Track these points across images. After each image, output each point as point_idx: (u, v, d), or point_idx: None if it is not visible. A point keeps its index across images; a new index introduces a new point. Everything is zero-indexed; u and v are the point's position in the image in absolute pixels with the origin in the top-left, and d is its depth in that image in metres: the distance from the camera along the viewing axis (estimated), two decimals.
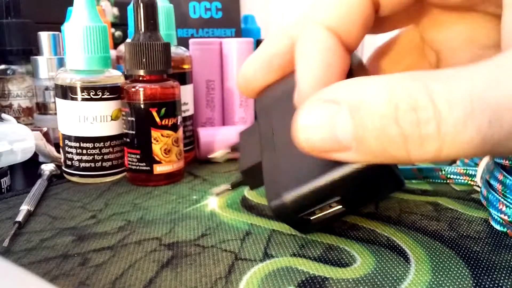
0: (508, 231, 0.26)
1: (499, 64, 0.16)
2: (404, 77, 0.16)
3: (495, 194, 0.26)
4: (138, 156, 0.34)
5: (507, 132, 0.15)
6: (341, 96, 0.17)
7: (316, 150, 0.18)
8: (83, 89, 0.34)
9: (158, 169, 0.34)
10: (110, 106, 0.35)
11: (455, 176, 0.34)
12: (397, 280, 0.21)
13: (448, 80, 0.15)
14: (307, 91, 0.20)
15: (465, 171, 0.34)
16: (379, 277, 0.21)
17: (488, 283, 0.21)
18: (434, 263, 0.23)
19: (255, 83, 0.26)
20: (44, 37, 0.45)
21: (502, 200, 0.26)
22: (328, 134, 0.17)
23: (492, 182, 0.27)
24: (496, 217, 0.27)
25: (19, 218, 0.27)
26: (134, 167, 0.34)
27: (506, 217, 0.25)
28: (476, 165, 0.34)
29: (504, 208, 0.25)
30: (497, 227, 0.26)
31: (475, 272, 0.22)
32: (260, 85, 0.26)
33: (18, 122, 0.38)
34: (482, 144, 0.15)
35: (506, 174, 0.26)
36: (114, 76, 0.35)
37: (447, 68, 0.16)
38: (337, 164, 0.20)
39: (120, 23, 0.67)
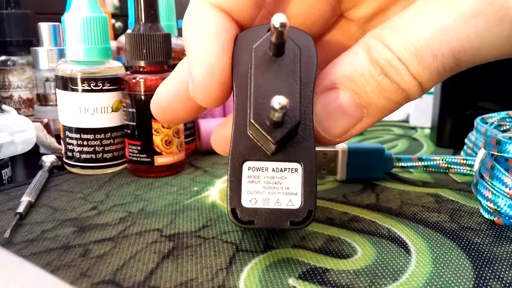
0: (495, 219, 0.26)
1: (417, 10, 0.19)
2: (369, 40, 0.19)
3: (483, 182, 0.26)
4: (139, 148, 0.34)
5: (446, 58, 0.18)
6: (336, 79, 0.20)
7: (343, 138, 0.21)
8: (83, 80, 0.34)
9: (159, 160, 0.34)
10: (110, 97, 0.34)
11: (455, 166, 0.34)
12: (398, 272, 0.21)
13: (398, 33, 0.18)
14: (200, 80, 0.20)
15: (465, 161, 0.34)
16: (380, 268, 0.21)
17: (489, 274, 0.21)
18: (435, 255, 0.23)
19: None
20: (44, 28, 0.44)
21: (489, 188, 0.26)
22: (345, 121, 0.20)
23: (482, 170, 0.27)
24: (484, 205, 0.27)
25: (20, 209, 0.27)
26: (135, 158, 0.34)
27: (492, 205, 0.25)
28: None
29: (490, 196, 0.26)
30: (486, 215, 0.27)
31: (476, 264, 0.22)
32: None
33: (19, 113, 0.38)
34: (437, 71, 0.18)
35: (495, 163, 0.26)
36: (115, 67, 0.35)
37: (393, 19, 0.19)
38: None
39: (120, 14, 0.67)
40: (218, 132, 0.25)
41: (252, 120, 0.19)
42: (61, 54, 0.44)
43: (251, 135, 0.20)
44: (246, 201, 0.20)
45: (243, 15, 0.20)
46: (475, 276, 0.21)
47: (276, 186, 0.20)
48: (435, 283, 0.20)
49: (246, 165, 0.20)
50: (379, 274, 0.21)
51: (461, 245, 0.24)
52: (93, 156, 0.35)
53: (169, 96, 0.23)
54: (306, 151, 0.20)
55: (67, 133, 0.35)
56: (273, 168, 0.20)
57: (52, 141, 0.38)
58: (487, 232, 0.25)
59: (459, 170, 0.34)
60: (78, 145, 0.35)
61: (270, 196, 0.20)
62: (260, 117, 0.19)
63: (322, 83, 0.20)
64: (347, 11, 0.24)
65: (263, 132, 0.19)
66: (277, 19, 0.17)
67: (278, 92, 0.18)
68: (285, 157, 0.20)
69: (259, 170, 0.20)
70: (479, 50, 0.18)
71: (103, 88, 0.34)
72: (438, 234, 0.25)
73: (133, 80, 0.33)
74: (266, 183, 0.20)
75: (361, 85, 0.19)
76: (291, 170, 0.20)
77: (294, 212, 0.20)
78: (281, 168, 0.20)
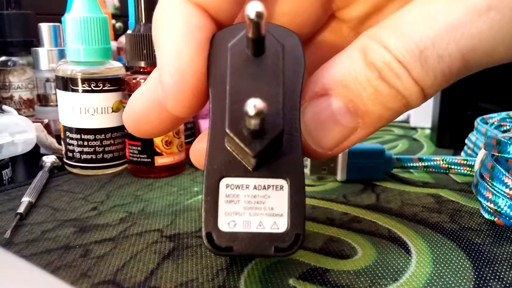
0: (495, 220, 0.26)
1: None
2: (365, 41, 0.17)
3: (484, 183, 0.26)
4: (139, 148, 0.34)
5: (454, 58, 0.16)
6: (327, 84, 0.17)
7: (336, 151, 0.19)
8: (83, 80, 0.34)
9: (159, 161, 0.34)
10: (111, 98, 0.34)
11: (455, 166, 0.34)
12: (398, 272, 0.21)
13: (397, 32, 0.16)
14: (170, 84, 0.17)
15: (465, 161, 0.34)
16: (380, 269, 0.21)
17: (489, 275, 0.21)
18: (435, 255, 0.23)
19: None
20: (45, 28, 0.44)
21: (490, 188, 0.26)
22: (338, 131, 0.18)
23: (482, 170, 0.27)
24: (484, 205, 0.27)
25: (21, 209, 0.27)
26: (135, 159, 0.34)
27: (492, 205, 0.25)
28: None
29: (491, 196, 0.26)
30: (486, 216, 0.27)
31: (476, 264, 0.22)
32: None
33: (19, 113, 0.38)
34: (442, 75, 0.16)
35: (495, 163, 0.26)
36: (115, 68, 0.35)
37: (392, 18, 0.17)
38: None
39: (121, 14, 0.67)
40: (197, 145, 0.22)
41: (227, 130, 0.16)
42: (62, 54, 0.45)
43: (229, 148, 0.17)
44: (224, 224, 0.17)
45: (221, 12, 0.18)
46: (475, 276, 0.21)
47: (258, 207, 0.17)
48: (435, 284, 0.20)
49: (224, 182, 0.17)
50: (380, 275, 0.21)
51: (462, 246, 0.24)
52: (94, 156, 0.35)
53: (142, 105, 0.20)
54: (293, 166, 0.17)
55: (68, 133, 0.35)
56: (255, 186, 0.17)
57: (52, 141, 0.38)
58: (488, 232, 0.25)
59: (459, 170, 0.34)
60: (78, 146, 0.35)
61: (251, 218, 0.17)
62: (237, 126, 0.16)
63: (312, 88, 0.18)
64: (339, 11, 0.22)
65: (240, 143, 0.16)
66: (252, 8, 0.14)
67: (255, 96, 0.15)
68: (269, 173, 0.17)
69: (239, 188, 0.17)
70: (493, 49, 0.16)
71: (104, 88, 0.34)
72: (438, 234, 0.25)
73: (134, 81, 0.33)
74: (247, 203, 0.17)
75: (356, 91, 0.17)
76: (276, 188, 0.17)
77: (280, 236, 0.17)
78: (264, 186, 0.17)
